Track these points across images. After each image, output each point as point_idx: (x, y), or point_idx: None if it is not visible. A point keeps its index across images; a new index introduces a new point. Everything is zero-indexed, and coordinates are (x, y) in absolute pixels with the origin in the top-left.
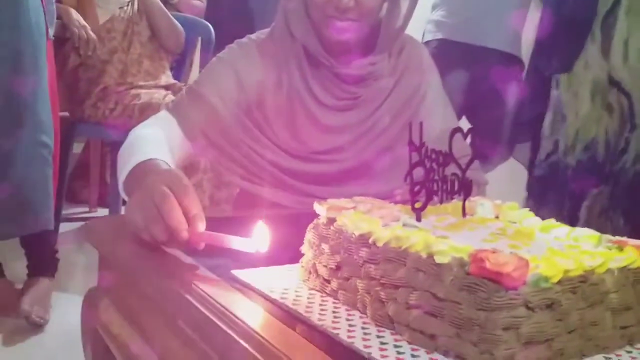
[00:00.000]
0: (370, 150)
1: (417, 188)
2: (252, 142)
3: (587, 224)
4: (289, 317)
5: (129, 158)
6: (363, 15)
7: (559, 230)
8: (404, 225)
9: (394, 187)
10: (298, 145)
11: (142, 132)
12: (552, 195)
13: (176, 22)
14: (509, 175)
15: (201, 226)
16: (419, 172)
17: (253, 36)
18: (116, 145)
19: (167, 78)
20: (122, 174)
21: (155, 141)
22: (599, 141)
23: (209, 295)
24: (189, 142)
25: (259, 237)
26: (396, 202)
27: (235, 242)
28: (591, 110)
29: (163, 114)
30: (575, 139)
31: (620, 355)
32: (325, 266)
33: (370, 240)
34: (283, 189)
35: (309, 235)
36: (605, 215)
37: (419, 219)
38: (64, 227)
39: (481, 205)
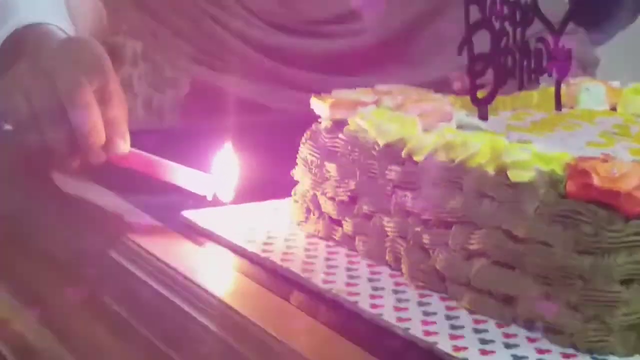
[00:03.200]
0: (403, 17)
1: (480, 66)
2: (207, 5)
3: None
4: (279, 280)
5: (1, 19)
6: None
7: None
8: (459, 126)
9: (446, 73)
10: (283, 10)
11: None
12: None
13: None
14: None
15: (122, 145)
16: (483, 41)
17: None
18: None
19: None
20: None
21: None
22: None
23: (149, 252)
24: (101, 3)
25: (219, 170)
26: (455, 93)
27: (180, 174)
28: None
29: None
30: None
31: None
32: (332, 199)
33: (404, 153)
34: (260, 78)
35: (304, 151)
36: None
37: (483, 116)
38: None
39: (587, 91)
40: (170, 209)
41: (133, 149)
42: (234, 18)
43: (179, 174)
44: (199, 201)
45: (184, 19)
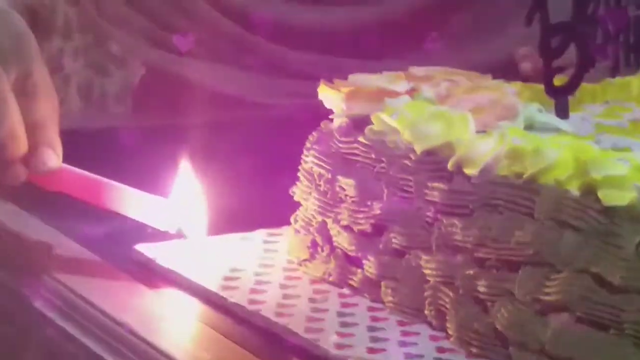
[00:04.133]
0: None
1: (557, 40)
2: None
3: None
4: (272, 342)
5: None
6: None
7: None
8: (529, 126)
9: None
10: None
11: None
12: None
13: None
14: None
15: (51, 158)
16: (562, 6)
17: None
18: None
19: None
20: None
21: None
22: None
23: (88, 301)
24: None
25: (186, 192)
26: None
27: (131, 202)
28: None
29: None
30: None
31: None
32: (348, 228)
33: (450, 164)
34: (246, 62)
35: (309, 161)
36: None
37: (562, 112)
38: None
39: None
40: (119, 241)
41: (66, 165)
42: None
43: (130, 202)
44: (158, 231)
45: None
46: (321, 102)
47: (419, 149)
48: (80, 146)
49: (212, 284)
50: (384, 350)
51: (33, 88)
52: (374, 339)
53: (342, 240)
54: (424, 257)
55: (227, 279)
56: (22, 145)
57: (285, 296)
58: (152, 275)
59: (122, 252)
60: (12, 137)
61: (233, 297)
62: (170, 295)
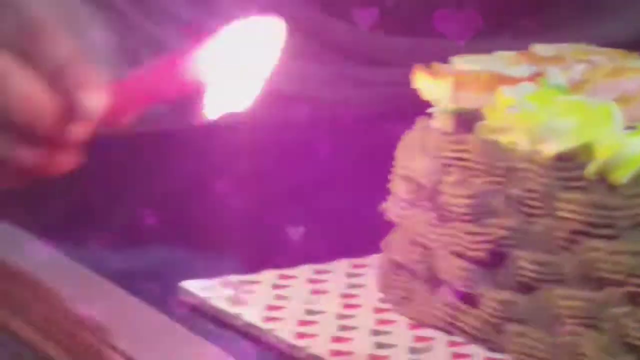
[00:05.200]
0: None
1: None
2: None
3: None
4: None
5: None
6: None
7: None
8: None
9: None
10: None
11: None
12: None
13: None
14: None
15: (90, 99)
16: None
17: None
18: None
19: None
20: None
21: None
22: None
23: None
24: None
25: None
26: None
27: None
28: None
29: None
30: None
31: None
32: (459, 255)
33: (590, 170)
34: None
35: (404, 166)
36: None
37: None
38: None
39: None
40: (159, 276)
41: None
42: None
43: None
44: (202, 262)
45: None
46: (416, 92)
47: (547, 151)
48: None
49: (283, 331)
50: None
51: (32, 27)
52: None
53: (452, 271)
54: (559, 291)
55: (301, 323)
56: (49, 114)
57: (377, 345)
58: (207, 322)
59: (164, 291)
60: (38, 118)
61: (311, 347)
62: (230, 346)
